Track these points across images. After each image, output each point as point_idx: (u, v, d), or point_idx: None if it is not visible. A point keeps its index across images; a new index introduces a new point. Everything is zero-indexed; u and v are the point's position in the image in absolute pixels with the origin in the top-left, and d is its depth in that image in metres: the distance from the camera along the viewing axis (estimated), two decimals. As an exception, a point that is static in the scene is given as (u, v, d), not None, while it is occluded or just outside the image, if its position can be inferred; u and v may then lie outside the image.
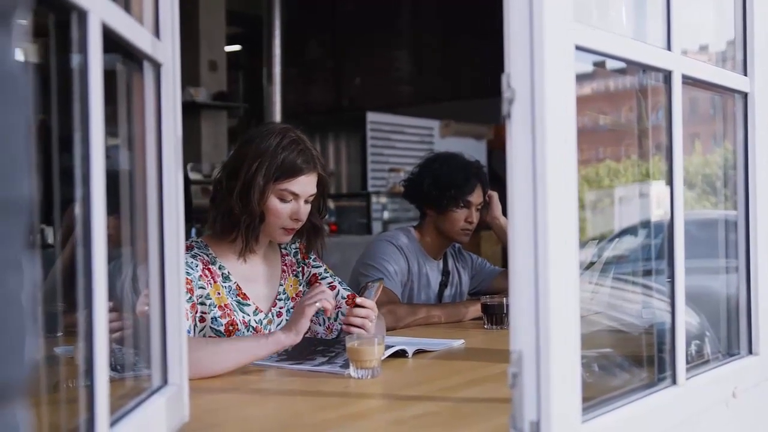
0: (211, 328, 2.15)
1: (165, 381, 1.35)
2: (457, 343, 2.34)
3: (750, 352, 1.77)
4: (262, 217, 2.18)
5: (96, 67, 0.99)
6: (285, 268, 2.37)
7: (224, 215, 2.18)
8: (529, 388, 1.14)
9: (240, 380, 1.86)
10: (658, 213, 1.82)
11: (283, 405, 1.70)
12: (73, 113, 0.98)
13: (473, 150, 6.21)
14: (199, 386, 1.73)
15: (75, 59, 0.99)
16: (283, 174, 2.15)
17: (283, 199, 2.18)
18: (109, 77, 1.05)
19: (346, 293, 2.35)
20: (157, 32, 1.33)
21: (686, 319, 1.53)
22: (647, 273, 1.87)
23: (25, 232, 0.52)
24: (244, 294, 2.23)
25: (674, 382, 1.47)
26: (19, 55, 0.56)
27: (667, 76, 1.48)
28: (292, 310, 2.30)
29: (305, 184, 2.19)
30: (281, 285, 2.34)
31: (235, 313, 2.18)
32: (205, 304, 2.13)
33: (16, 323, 0.49)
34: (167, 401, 1.30)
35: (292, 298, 2.34)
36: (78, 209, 0.99)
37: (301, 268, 2.39)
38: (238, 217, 2.16)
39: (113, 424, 1.07)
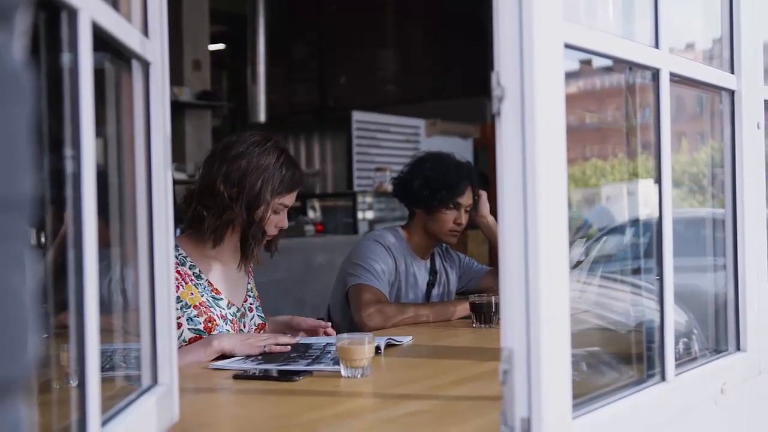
0: (188, 329, 2.16)
1: (155, 381, 1.34)
2: (406, 339, 2.33)
3: (738, 348, 1.78)
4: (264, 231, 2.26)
5: (86, 65, 0.98)
6: (250, 269, 2.45)
7: (226, 225, 2.23)
8: (520, 384, 1.14)
9: (230, 381, 1.86)
10: (645, 211, 1.82)
11: (273, 405, 1.69)
12: (63, 112, 0.98)
13: (459, 149, 6.22)
14: (188, 386, 1.72)
15: (64, 57, 0.98)
16: (285, 189, 2.25)
17: (276, 212, 2.27)
18: (97, 76, 1.04)
19: (258, 321, 2.42)
20: (145, 31, 1.32)
21: (674, 318, 1.54)
22: (635, 271, 1.88)
23: (26, 229, 0.52)
24: (216, 289, 2.28)
25: (663, 378, 1.48)
26: (20, 54, 0.56)
27: (655, 74, 1.48)
28: (259, 308, 2.42)
29: (294, 196, 2.32)
30: (249, 283, 2.43)
31: (212, 309, 2.23)
32: (177, 308, 2.14)
33: (20, 319, 0.49)
34: (157, 401, 1.30)
35: (257, 297, 2.44)
36: (68, 210, 0.98)
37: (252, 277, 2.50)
38: (241, 230, 2.25)
39: (104, 423, 1.06)
